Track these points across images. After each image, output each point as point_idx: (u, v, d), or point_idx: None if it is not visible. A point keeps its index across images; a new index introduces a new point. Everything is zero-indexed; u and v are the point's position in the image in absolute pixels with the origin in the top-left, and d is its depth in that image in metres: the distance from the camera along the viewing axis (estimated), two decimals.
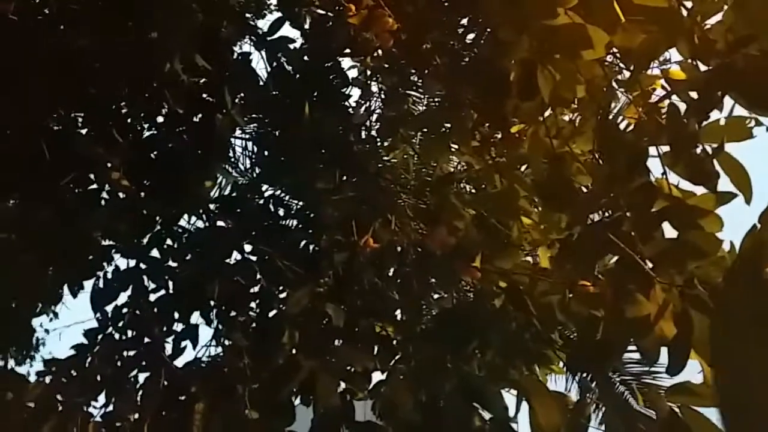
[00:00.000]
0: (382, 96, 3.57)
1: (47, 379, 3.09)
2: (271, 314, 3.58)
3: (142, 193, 3.71)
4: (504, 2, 1.90)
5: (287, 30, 3.82)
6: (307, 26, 3.59)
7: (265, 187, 4.04)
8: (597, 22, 1.86)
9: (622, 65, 2.28)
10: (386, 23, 2.52)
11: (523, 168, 2.67)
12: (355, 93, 3.86)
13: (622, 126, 2.43)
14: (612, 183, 1.94)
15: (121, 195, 3.68)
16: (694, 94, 1.72)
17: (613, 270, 1.80)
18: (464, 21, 2.88)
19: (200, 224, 4.00)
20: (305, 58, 3.58)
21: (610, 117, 2.31)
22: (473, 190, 3.33)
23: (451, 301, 2.47)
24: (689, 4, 1.96)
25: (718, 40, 1.61)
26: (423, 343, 2.44)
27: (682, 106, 1.91)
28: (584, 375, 2.00)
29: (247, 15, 4.26)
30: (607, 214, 2.00)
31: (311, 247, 3.73)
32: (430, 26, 2.61)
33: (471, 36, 3.03)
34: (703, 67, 1.85)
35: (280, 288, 3.58)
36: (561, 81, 1.87)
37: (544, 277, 2.02)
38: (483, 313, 2.15)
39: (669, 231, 1.95)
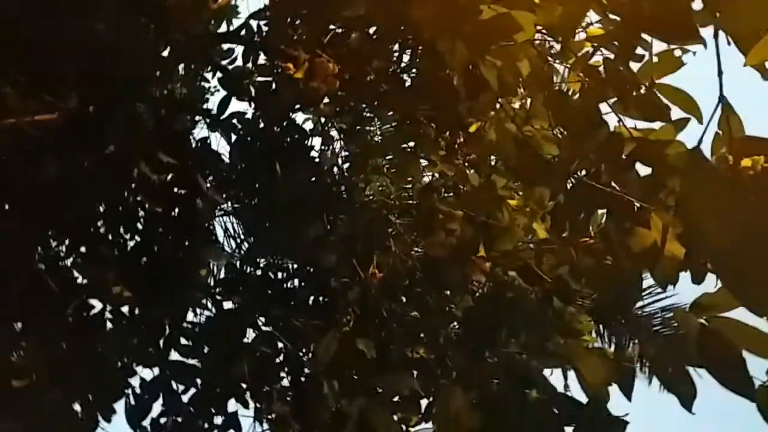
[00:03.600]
0: (343, 136, 3.71)
1: None
2: (304, 374, 3.62)
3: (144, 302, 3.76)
4: (433, 16, 2.05)
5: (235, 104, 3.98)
6: (253, 94, 3.73)
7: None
8: (516, 7, 2.03)
9: (550, 39, 2.45)
10: (327, 68, 2.66)
11: (493, 159, 2.81)
12: (317, 141, 4.01)
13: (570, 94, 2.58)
14: (579, 144, 2.08)
15: (124, 310, 3.73)
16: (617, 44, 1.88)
17: (608, 218, 1.92)
18: (397, 46, 3.04)
19: (209, 312, 4.04)
20: (260, 125, 3.72)
21: (556, 89, 2.46)
22: (454, 194, 3.45)
23: (470, 301, 2.55)
24: None
25: None
26: (458, 349, 2.51)
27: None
28: (614, 322, 2.09)
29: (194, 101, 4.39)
30: (583, 173, 2.13)
31: (321, 299, 3.80)
32: (369, 59, 2.76)
33: (407, 57, 3.19)
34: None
35: (306, 346, 3.63)
36: (503, 67, 2.01)
37: (546, 246, 2.13)
38: (503, 299, 2.24)
39: None
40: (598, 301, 2.10)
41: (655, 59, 2.09)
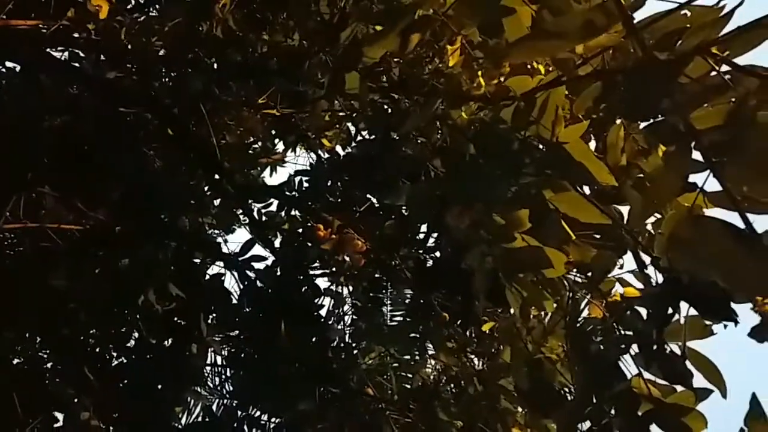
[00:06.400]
0: (355, 303, 3.67)
1: None
2: None
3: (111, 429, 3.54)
4: (466, 230, 2.09)
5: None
6: (277, 244, 3.78)
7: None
8: (550, 241, 2.05)
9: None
10: (356, 245, 2.69)
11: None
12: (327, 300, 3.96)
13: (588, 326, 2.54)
14: (592, 391, 1.99)
15: None
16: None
17: None
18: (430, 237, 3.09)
19: None
20: (277, 273, 3.72)
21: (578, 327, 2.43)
22: (454, 391, 3.31)
23: None
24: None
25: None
26: None
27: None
28: None
29: (216, 232, 4.46)
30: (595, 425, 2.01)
31: None
32: (400, 245, 2.80)
33: (433, 244, 3.23)
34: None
35: None
36: (528, 298, 2.00)
37: None
38: None
39: None
40: None
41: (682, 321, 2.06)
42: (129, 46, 2.54)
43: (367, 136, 3.46)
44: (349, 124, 3.65)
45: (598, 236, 2.19)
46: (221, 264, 3.97)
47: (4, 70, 2.84)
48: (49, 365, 3.70)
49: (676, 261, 1.30)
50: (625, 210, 2.27)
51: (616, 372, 1.95)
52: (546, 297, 2.02)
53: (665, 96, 1.48)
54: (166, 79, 2.92)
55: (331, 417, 2.64)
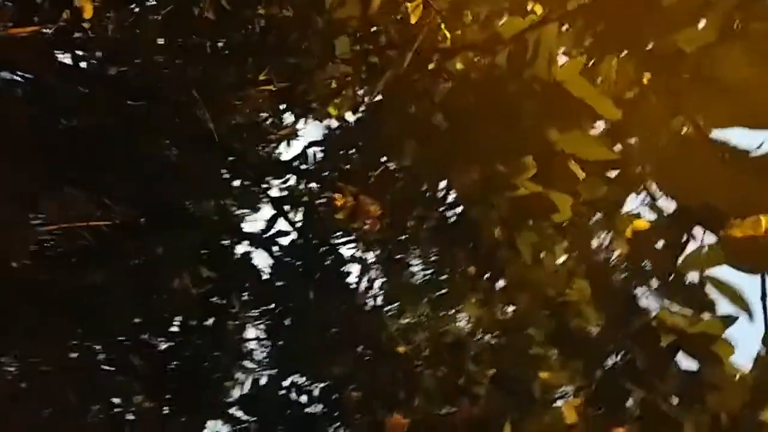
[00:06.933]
0: (381, 267, 3.71)
1: None
2: None
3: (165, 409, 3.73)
4: (471, 185, 2.08)
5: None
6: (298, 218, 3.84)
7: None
8: (558, 184, 2.03)
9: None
10: (371, 211, 2.71)
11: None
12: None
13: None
14: (613, 327, 1.99)
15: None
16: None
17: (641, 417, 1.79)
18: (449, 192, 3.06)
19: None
20: (301, 247, 3.79)
21: (599, 255, 2.41)
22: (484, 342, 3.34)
23: None
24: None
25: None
26: None
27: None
28: None
29: (242, 212, 4.54)
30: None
31: None
32: (412, 206, 2.81)
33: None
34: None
35: None
36: (539, 243, 1.99)
37: None
38: None
39: None
40: None
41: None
42: (121, 40, 2.57)
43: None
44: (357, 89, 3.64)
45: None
46: (248, 243, 4.06)
47: (16, 78, 2.92)
48: (102, 356, 3.89)
49: (667, 185, 1.28)
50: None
51: (635, 306, 1.95)
52: (556, 241, 2.01)
53: (649, 20, 1.43)
54: (166, 69, 2.95)
55: (367, 378, 2.71)
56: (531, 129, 2.08)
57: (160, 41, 3.11)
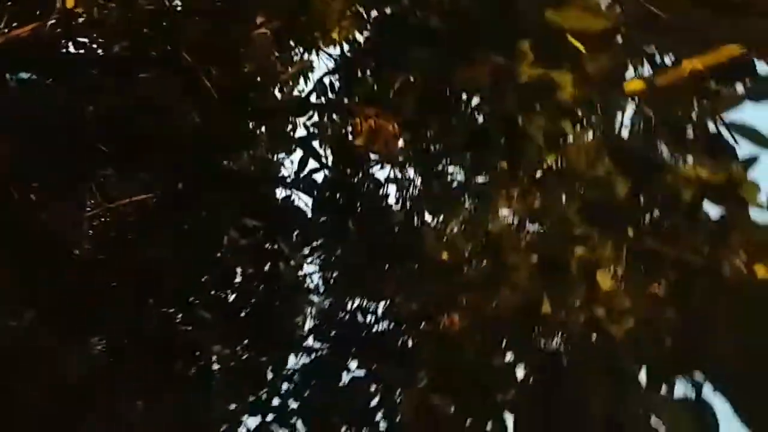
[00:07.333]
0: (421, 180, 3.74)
1: None
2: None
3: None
4: (476, 78, 2.09)
5: None
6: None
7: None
8: (561, 63, 2.01)
9: None
10: (388, 132, 2.75)
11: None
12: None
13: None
14: (635, 189, 2.01)
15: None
16: None
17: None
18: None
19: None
20: (335, 180, 3.89)
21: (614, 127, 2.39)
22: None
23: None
24: None
25: None
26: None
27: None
28: None
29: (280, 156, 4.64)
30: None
31: (408, 341, 3.87)
32: (428, 122, 2.82)
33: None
34: None
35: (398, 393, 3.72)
36: (548, 127, 2.00)
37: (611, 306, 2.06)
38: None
39: None
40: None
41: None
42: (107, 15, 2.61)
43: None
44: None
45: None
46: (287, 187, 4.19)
47: (25, 77, 3.04)
48: (179, 317, 4.20)
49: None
50: None
51: (651, 164, 1.96)
52: (565, 121, 2.01)
53: None
54: (164, 34, 3.00)
55: (411, 289, 2.85)
56: (528, 10, 2.06)
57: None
